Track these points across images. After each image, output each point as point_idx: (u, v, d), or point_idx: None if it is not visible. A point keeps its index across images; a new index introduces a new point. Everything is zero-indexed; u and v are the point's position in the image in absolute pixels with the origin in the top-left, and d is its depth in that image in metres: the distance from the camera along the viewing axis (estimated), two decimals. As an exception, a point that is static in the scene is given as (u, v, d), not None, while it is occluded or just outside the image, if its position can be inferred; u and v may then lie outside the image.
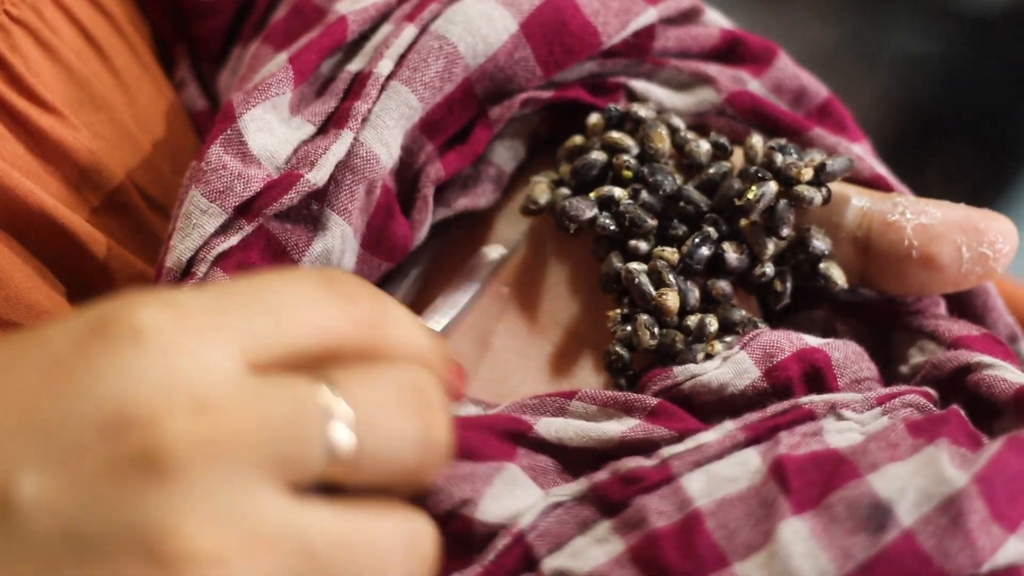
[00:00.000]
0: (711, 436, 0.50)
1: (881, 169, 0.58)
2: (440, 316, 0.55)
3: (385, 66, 0.56)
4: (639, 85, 0.59)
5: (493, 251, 0.58)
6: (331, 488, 0.41)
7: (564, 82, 0.59)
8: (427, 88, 0.56)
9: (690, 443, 0.50)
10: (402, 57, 0.57)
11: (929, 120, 1.72)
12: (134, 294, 0.41)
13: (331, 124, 0.56)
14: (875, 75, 1.72)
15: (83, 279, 0.57)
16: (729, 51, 0.61)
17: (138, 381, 0.39)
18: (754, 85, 0.59)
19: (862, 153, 0.58)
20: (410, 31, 0.57)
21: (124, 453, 0.38)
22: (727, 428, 0.50)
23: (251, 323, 0.41)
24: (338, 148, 0.55)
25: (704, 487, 0.48)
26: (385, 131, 0.56)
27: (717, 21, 0.61)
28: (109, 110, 0.60)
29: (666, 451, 0.50)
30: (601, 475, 0.50)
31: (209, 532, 0.38)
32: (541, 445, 0.52)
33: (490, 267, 0.57)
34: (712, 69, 0.59)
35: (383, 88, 0.56)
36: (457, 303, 0.56)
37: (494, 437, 0.52)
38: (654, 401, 0.52)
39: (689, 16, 0.61)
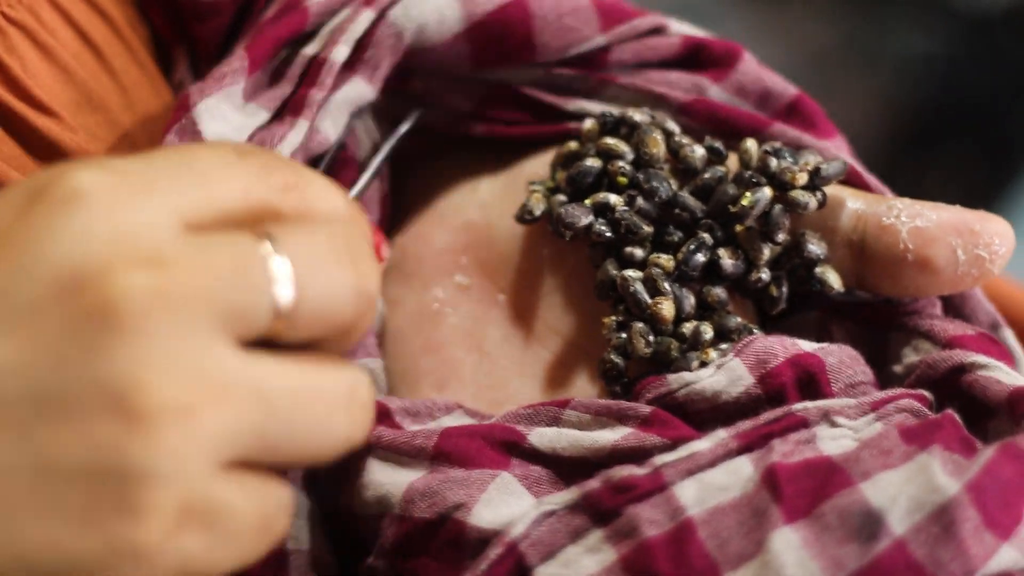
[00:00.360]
0: (704, 444, 0.50)
1: (856, 165, 0.58)
2: (357, 185, 0.58)
3: (340, 52, 0.57)
4: (573, 107, 0.60)
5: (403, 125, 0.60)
6: (270, 345, 0.42)
7: (494, 81, 0.60)
8: (379, 79, 0.58)
9: (682, 451, 0.50)
10: (358, 43, 0.58)
11: (929, 120, 1.71)
12: (66, 163, 0.42)
13: (287, 111, 0.57)
14: (875, 75, 1.72)
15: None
16: (690, 58, 0.61)
17: (85, 239, 0.39)
18: (714, 91, 0.60)
19: (835, 149, 0.58)
20: (367, 15, 0.58)
21: (81, 310, 0.39)
22: (720, 436, 0.50)
23: (184, 186, 0.42)
24: (294, 137, 0.56)
25: (696, 496, 0.48)
26: (339, 116, 0.57)
27: (681, 31, 0.61)
28: (106, 112, 0.60)
29: (658, 459, 0.50)
30: (593, 483, 0.50)
31: (173, 383, 0.39)
32: (535, 455, 0.52)
33: (396, 136, 0.60)
34: (671, 77, 0.60)
35: (340, 78, 0.57)
36: (367, 171, 0.59)
37: (488, 446, 0.52)
38: (648, 409, 0.52)
39: (650, 33, 0.61)
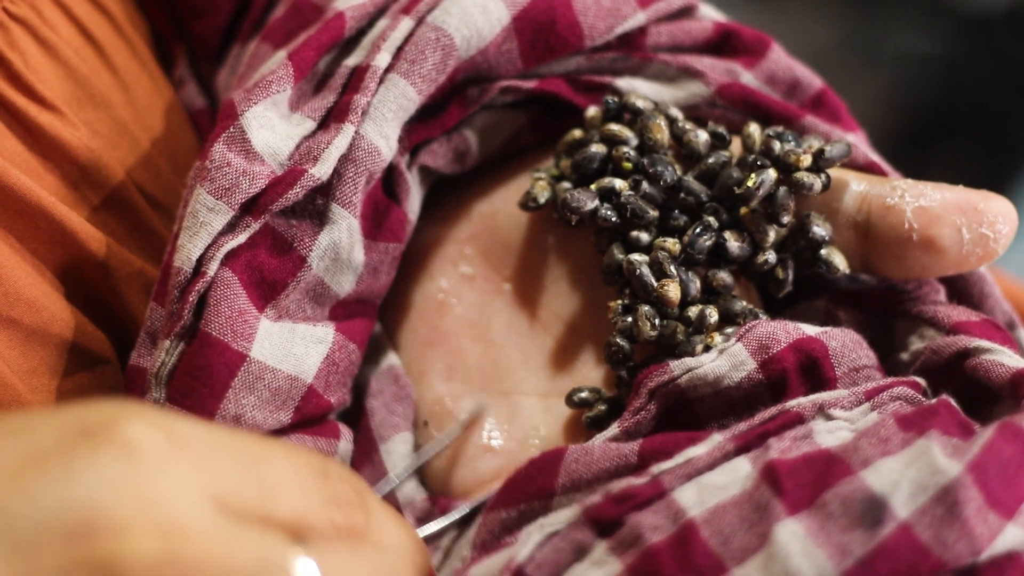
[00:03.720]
0: (700, 450, 0.50)
1: (875, 157, 0.58)
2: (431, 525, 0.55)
3: (383, 59, 0.56)
4: (624, 83, 0.59)
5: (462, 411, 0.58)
6: None
7: (546, 74, 0.59)
8: (424, 80, 0.57)
9: (679, 458, 0.50)
10: (399, 49, 0.57)
11: (929, 120, 1.71)
12: (131, 404, 0.41)
13: (331, 119, 0.56)
14: (875, 75, 1.72)
15: (81, 276, 0.57)
16: (722, 44, 0.61)
17: (114, 490, 0.38)
18: (747, 77, 0.60)
19: (857, 142, 0.58)
20: (407, 23, 0.57)
21: (83, 559, 0.38)
22: (716, 440, 0.50)
23: (238, 479, 0.41)
24: (340, 142, 0.55)
25: (696, 497, 0.48)
26: (384, 123, 0.56)
27: (711, 15, 0.61)
28: (108, 108, 0.60)
29: (656, 468, 0.50)
30: (594, 498, 0.49)
31: None
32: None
33: (457, 429, 0.58)
34: (704, 62, 0.60)
35: (381, 81, 0.56)
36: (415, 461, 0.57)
37: None
38: (635, 456, 0.51)
39: (682, 13, 0.61)
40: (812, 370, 0.53)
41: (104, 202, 0.59)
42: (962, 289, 0.58)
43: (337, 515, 0.42)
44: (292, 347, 0.55)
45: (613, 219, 0.56)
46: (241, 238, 0.54)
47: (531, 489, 0.51)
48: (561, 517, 0.50)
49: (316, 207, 0.55)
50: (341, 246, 0.55)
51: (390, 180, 0.58)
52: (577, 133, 0.59)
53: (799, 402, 0.51)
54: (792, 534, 0.45)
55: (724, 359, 0.53)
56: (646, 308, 0.55)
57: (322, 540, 0.41)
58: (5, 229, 0.55)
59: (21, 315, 0.54)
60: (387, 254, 0.57)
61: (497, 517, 0.51)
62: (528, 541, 0.49)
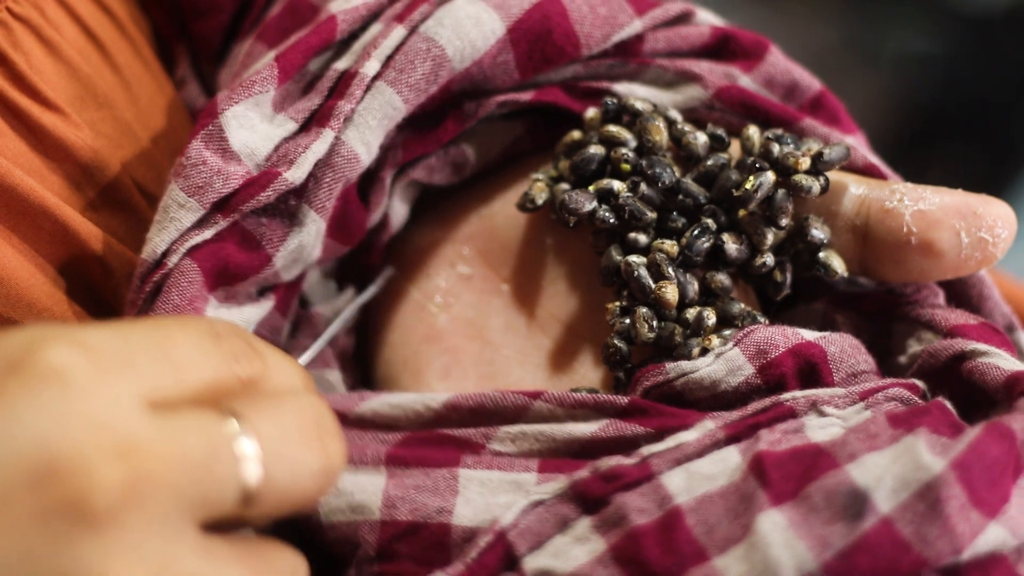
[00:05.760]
0: (691, 435, 0.50)
1: (874, 159, 0.58)
2: (308, 352, 0.58)
3: (372, 66, 0.56)
4: (622, 88, 0.59)
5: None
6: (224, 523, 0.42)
7: (543, 83, 0.59)
8: (412, 90, 0.57)
9: (670, 442, 0.50)
10: (389, 58, 0.57)
11: (929, 120, 1.71)
12: (40, 328, 0.41)
13: (314, 122, 0.56)
14: (875, 75, 1.72)
15: (84, 276, 0.57)
16: (720, 48, 0.61)
17: (60, 425, 0.39)
18: (745, 80, 0.60)
19: (856, 144, 0.58)
20: (399, 32, 0.57)
21: (54, 502, 0.38)
22: (707, 427, 0.50)
23: (154, 369, 0.42)
24: (318, 147, 0.55)
25: (684, 484, 0.48)
26: (367, 131, 0.56)
27: (708, 20, 0.61)
28: (111, 108, 0.60)
29: (646, 449, 0.50)
30: (582, 473, 0.50)
31: None
32: (495, 454, 0.53)
33: (354, 308, 0.59)
34: (702, 66, 0.60)
35: (368, 88, 0.56)
36: (321, 339, 0.58)
37: (441, 451, 0.53)
38: (626, 400, 0.52)
39: (680, 19, 0.61)
40: (810, 375, 0.53)
41: (106, 202, 0.59)
42: (961, 292, 0.58)
43: (238, 368, 0.44)
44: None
45: (611, 220, 0.56)
46: (207, 234, 0.54)
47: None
48: (548, 487, 0.50)
49: (288, 208, 0.56)
50: (305, 247, 0.56)
51: (366, 186, 0.58)
52: (576, 134, 0.59)
53: (793, 395, 0.51)
54: (774, 525, 0.46)
55: (720, 364, 0.53)
56: (644, 310, 0.55)
57: (247, 404, 0.43)
58: (8, 229, 0.55)
59: (22, 315, 0.54)
60: (336, 252, 0.58)
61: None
62: (513, 506, 0.50)
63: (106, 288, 0.58)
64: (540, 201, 0.58)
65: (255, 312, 0.56)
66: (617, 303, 0.56)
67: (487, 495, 0.52)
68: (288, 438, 0.43)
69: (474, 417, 0.54)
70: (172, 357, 0.42)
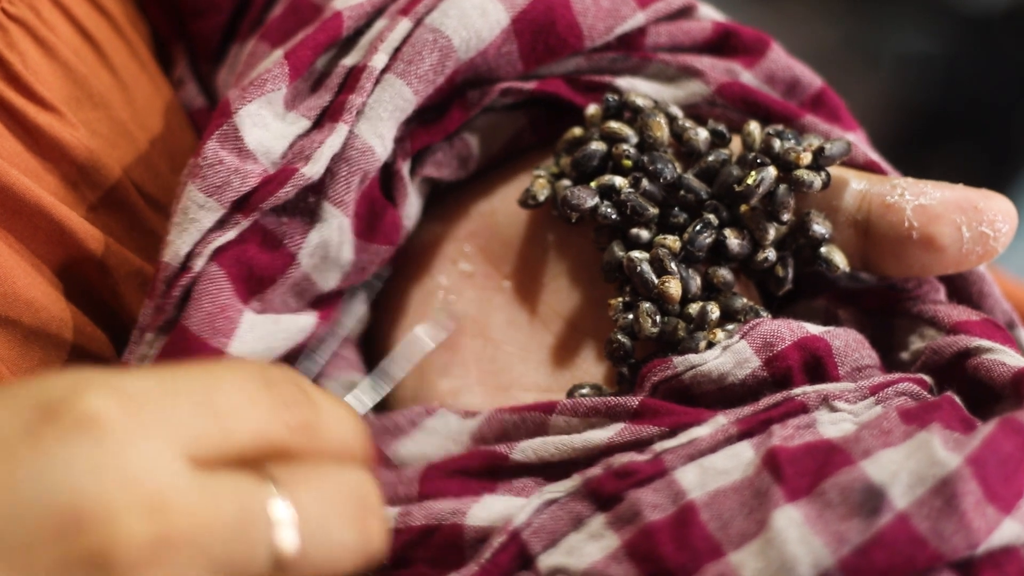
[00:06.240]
0: (703, 430, 0.50)
1: (875, 156, 0.58)
2: (373, 393, 0.57)
3: (380, 60, 0.56)
4: (624, 82, 0.59)
5: (424, 331, 0.58)
6: None
7: (546, 75, 0.59)
8: (421, 81, 0.57)
9: (683, 438, 0.50)
10: (396, 50, 0.57)
11: (929, 120, 1.72)
12: (80, 374, 0.40)
13: (326, 118, 0.56)
14: (875, 75, 1.72)
15: (81, 276, 0.57)
16: (722, 43, 0.61)
17: (92, 475, 0.38)
18: (746, 76, 0.60)
19: (856, 141, 0.58)
20: (405, 24, 0.57)
21: (78, 553, 0.38)
22: (720, 422, 0.50)
23: (197, 421, 0.41)
24: (333, 141, 0.55)
25: (697, 479, 0.48)
26: (379, 123, 0.56)
27: (710, 16, 0.61)
28: (107, 108, 0.60)
29: (659, 446, 0.50)
30: (594, 470, 0.50)
31: None
32: (520, 469, 0.53)
33: (421, 350, 0.58)
34: (704, 62, 0.60)
35: (378, 81, 0.56)
36: (387, 383, 0.57)
37: (471, 479, 0.53)
38: (636, 401, 0.52)
39: (682, 13, 0.61)
40: (816, 368, 0.53)
41: (103, 202, 0.59)
42: (961, 288, 0.58)
43: (288, 416, 0.43)
44: (274, 340, 0.55)
45: (613, 216, 0.56)
46: (230, 235, 0.54)
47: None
48: (561, 486, 0.50)
49: (308, 205, 0.55)
50: (331, 244, 0.55)
51: (388, 182, 0.58)
52: (577, 131, 0.59)
53: (804, 390, 0.51)
54: (790, 520, 0.46)
55: (728, 356, 0.53)
56: (647, 305, 0.55)
57: (289, 471, 0.42)
58: (4, 229, 0.55)
59: (20, 315, 0.54)
60: (377, 255, 0.58)
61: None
62: (527, 505, 0.50)
63: (103, 287, 0.57)
64: (542, 197, 0.57)
65: (295, 324, 0.56)
66: (620, 299, 0.56)
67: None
68: (328, 512, 0.42)
69: (497, 441, 0.55)
70: (217, 406, 0.41)
